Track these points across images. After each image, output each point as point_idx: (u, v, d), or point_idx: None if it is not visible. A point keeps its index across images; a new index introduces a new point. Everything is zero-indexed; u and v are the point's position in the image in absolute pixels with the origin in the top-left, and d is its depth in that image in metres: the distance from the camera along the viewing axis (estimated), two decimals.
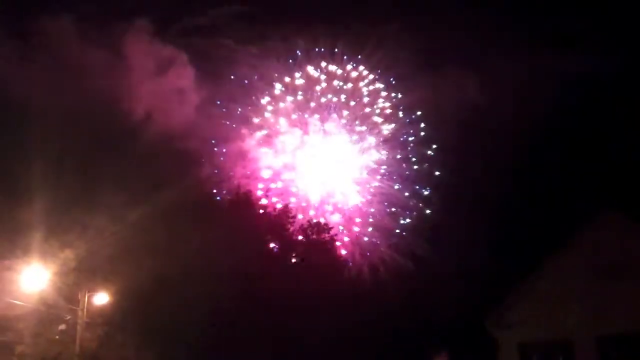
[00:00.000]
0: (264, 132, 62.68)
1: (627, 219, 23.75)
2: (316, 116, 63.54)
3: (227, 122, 61.88)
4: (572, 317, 23.76)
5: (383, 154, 63.98)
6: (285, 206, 45.73)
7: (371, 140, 64.11)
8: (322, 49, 63.43)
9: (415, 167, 63.30)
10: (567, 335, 24.15)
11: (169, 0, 61.24)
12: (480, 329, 27.63)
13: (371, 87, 64.53)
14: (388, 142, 64.30)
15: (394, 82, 64.45)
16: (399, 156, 63.72)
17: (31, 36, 50.15)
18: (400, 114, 64.35)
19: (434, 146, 62.72)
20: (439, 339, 38.60)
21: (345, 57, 64.08)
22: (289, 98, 63.38)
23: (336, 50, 63.78)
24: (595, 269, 23.51)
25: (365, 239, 60.59)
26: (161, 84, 56.61)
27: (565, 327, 24.04)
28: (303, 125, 63.47)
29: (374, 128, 64.32)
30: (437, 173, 62.15)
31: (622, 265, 22.97)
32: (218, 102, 61.31)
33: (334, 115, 63.55)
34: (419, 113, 63.80)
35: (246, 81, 62.15)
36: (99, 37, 53.02)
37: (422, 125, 63.63)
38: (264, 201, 45.96)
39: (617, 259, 23.14)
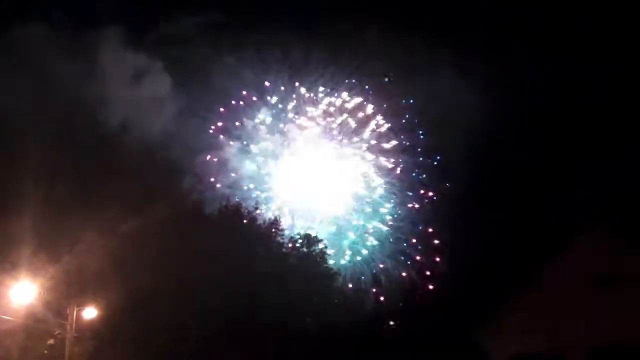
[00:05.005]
0: (243, 140, 61.82)
1: (621, 230, 23.90)
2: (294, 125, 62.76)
3: (206, 131, 60.94)
4: (566, 328, 23.79)
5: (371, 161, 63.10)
6: (275, 218, 45.62)
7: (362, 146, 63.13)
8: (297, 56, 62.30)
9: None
10: (560, 347, 24.13)
11: (143, 8, 60.77)
12: (471, 340, 27.60)
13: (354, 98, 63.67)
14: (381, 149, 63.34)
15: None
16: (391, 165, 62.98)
17: (2, 44, 49.33)
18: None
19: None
20: (429, 352, 38.60)
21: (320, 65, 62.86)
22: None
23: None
24: (589, 279, 23.51)
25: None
26: (137, 93, 55.97)
27: (558, 338, 24.06)
28: (282, 133, 62.65)
29: (361, 134, 63.36)
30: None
31: (616, 276, 23.05)
32: (195, 111, 60.04)
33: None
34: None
35: (223, 89, 60.93)
36: (72, 46, 52.41)
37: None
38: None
39: (611, 270, 23.22)
